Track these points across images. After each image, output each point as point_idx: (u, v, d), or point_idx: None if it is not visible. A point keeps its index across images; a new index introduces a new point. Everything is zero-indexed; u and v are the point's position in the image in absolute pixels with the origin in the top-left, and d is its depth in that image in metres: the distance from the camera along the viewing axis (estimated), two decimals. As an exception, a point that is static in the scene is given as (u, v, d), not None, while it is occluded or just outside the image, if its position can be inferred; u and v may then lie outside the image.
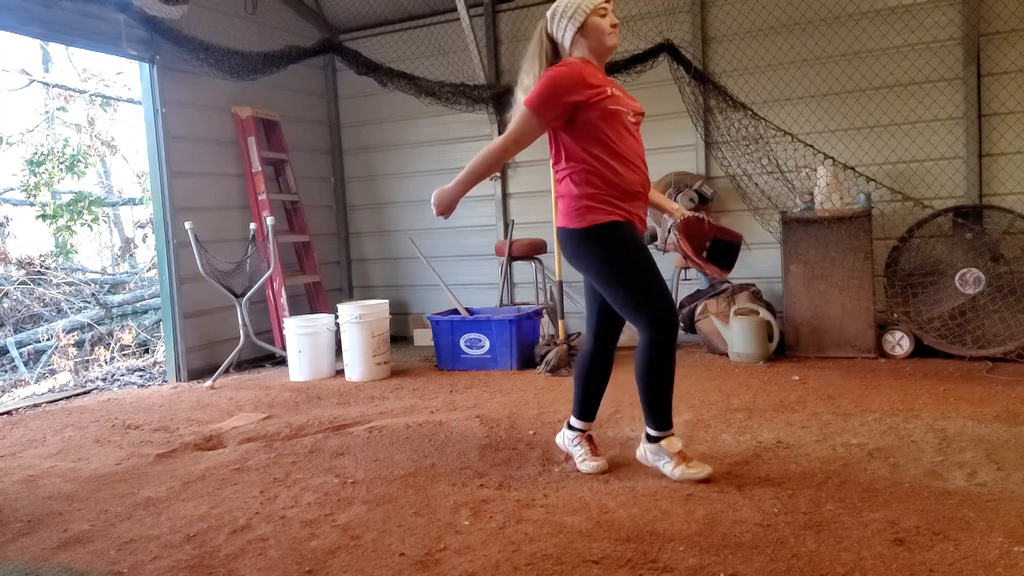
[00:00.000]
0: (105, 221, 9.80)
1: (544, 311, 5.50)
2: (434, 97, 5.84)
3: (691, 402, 3.88)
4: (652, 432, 2.78)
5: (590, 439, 2.98)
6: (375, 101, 6.65)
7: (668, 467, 2.74)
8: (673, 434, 2.79)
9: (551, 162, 2.80)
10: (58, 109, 9.20)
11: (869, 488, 2.58)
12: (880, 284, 4.91)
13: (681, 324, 4.94)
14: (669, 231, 2.87)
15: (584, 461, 2.91)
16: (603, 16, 2.70)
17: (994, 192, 4.96)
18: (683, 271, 5.62)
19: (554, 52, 2.80)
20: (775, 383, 4.25)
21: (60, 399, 4.90)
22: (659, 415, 2.75)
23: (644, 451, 2.83)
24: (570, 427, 3.01)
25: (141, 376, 5.55)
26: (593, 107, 2.63)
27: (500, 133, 6.10)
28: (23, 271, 7.75)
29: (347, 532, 2.45)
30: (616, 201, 2.66)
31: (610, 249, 2.65)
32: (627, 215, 2.69)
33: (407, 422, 3.77)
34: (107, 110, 9.36)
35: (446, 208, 2.76)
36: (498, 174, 6.24)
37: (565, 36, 2.74)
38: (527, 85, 2.76)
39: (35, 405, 4.71)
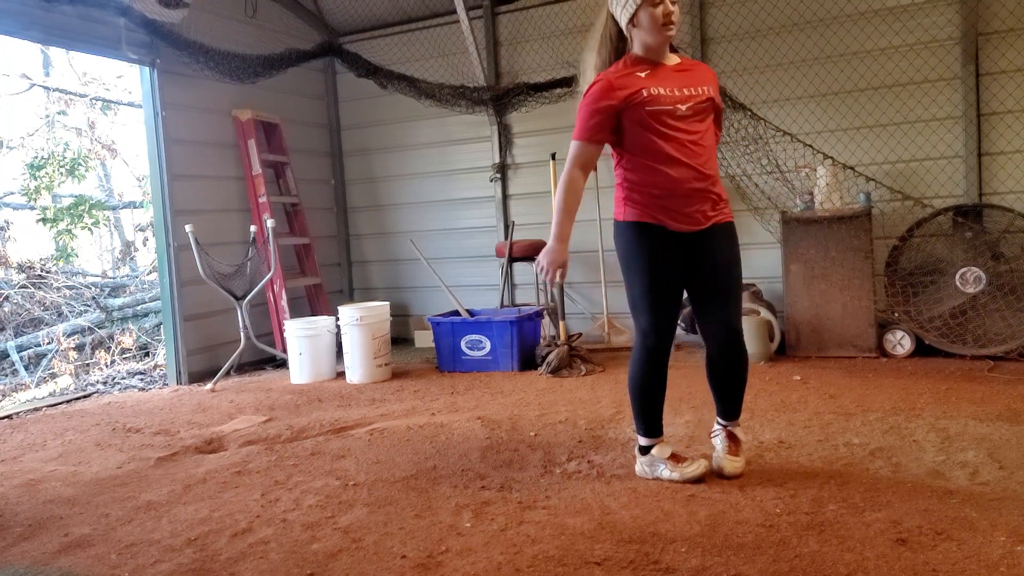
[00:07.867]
0: (106, 224, 9.80)
1: (545, 312, 5.50)
2: (434, 99, 5.84)
3: (692, 402, 3.87)
4: (642, 441, 2.80)
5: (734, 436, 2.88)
6: (375, 103, 6.65)
7: (666, 473, 2.74)
8: (662, 440, 2.81)
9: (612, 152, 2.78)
10: (58, 113, 9.20)
11: (871, 488, 2.57)
12: (881, 283, 4.90)
13: (682, 324, 4.94)
14: None
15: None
16: (656, 5, 2.55)
17: (994, 191, 4.95)
18: None
19: (619, 35, 2.71)
20: (776, 383, 4.25)
21: (61, 403, 4.90)
22: (647, 422, 2.78)
23: (640, 466, 2.82)
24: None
25: (142, 379, 5.55)
26: (631, 111, 2.59)
27: (500, 134, 6.22)
28: (24, 275, 7.75)
29: (348, 535, 2.44)
30: (654, 201, 2.63)
31: (630, 247, 2.70)
32: (660, 218, 2.63)
33: (408, 424, 3.77)
34: (107, 114, 9.36)
35: (562, 263, 2.70)
36: (498, 175, 6.24)
37: (621, 22, 2.66)
38: (589, 78, 2.71)
39: (35, 409, 4.71)
